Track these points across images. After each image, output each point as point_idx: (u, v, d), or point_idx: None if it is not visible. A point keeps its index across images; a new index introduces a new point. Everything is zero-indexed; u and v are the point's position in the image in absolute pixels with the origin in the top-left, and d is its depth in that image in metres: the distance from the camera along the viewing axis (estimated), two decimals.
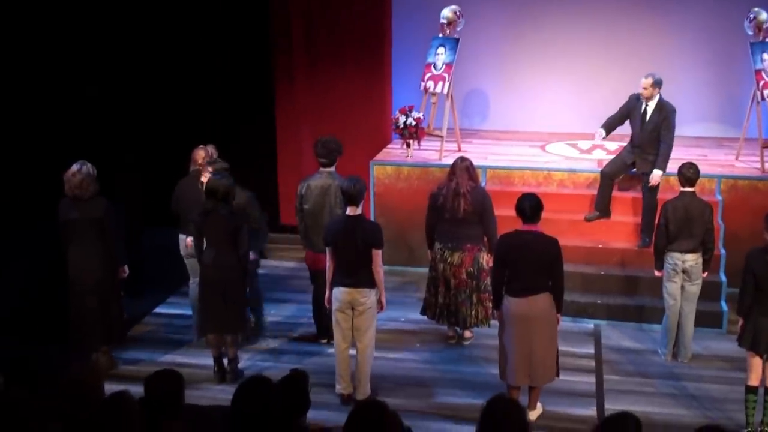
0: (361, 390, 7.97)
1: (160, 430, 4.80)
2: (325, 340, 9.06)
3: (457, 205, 8.57)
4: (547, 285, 7.33)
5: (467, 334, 9.21)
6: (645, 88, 9.46)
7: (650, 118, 9.56)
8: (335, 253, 7.76)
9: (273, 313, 9.90)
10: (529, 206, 7.29)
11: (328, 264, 7.88)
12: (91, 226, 8.23)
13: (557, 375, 7.65)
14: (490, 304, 8.39)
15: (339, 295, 7.77)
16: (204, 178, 8.50)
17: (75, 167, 8.19)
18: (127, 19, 11.17)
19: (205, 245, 8.17)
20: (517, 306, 7.34)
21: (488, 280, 8.56)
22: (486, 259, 8.74)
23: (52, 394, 4.98)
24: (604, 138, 10.12)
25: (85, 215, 8.22)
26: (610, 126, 10.01)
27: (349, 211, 7.69)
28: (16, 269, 9.58)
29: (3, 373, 7.43)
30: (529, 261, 7.26)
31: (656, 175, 9.59)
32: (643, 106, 9.59)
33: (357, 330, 7.85)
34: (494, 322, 8.16)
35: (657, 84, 9.46)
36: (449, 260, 8.75)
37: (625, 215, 10.29)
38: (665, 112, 9.50)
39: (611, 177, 10.04)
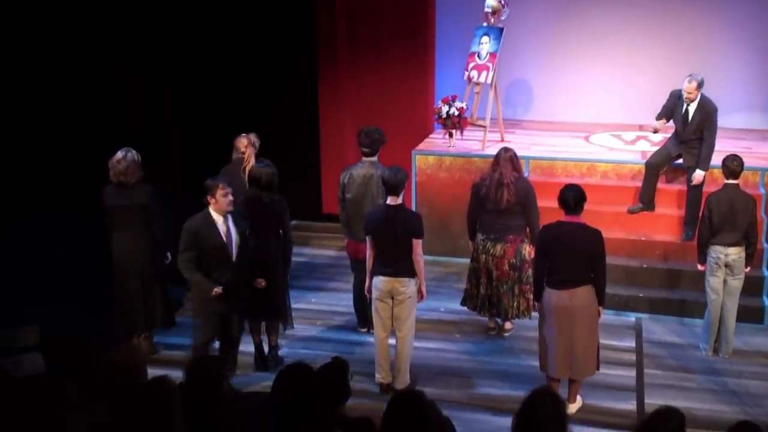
0: (401, 379, 7.99)
1: (199, 415, 4.83)
2: (365, 329, 9.10)
3: (500, 195, 8.54)
4: (589, 277, 7.28)
5: (508, 325, 9.19)
6: (690, 92, 9.38)
7: (692, 118, 9.50)
8: (375, 243, 7.78)
9: (314, 301, 9.98)
10: (573, 197, 7.25)
11: (368, 253, 7.90)
12: (136, 213, 8.31)
13: (598, 368, 7.61)
14: (532, 296, 8.36)
15: (379, 284, 7.79)
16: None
17: (120, 154, 8.26)
18: (169, 8, 11.22)
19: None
20: (559, 298, 7.31)
21: (530, 272, 8.54)
22: (528, 251, 8.70)
23: (93, 378, 5.04)
24: (656, 130, 10.07)
25: (130, 202, 8.29)
26: (662, 118, 9.95)
27: (390, 200, 7.69)
28: (59, 254, 9.66)
29: (44, 355, 7.56)
30: (571, 253, 7.21)
31: (698, 175, 9.53)
32: (685, 106, 9.52)
33: (397, 319, 7.87)
34: (535, 314, 8.14)
35: (700, 86, 9.38)
36: (491, 251, 8.73)
37: (668, 208, 10.20)
38: (706, 111, 9.43)
39: (656, 168, 9.96)
